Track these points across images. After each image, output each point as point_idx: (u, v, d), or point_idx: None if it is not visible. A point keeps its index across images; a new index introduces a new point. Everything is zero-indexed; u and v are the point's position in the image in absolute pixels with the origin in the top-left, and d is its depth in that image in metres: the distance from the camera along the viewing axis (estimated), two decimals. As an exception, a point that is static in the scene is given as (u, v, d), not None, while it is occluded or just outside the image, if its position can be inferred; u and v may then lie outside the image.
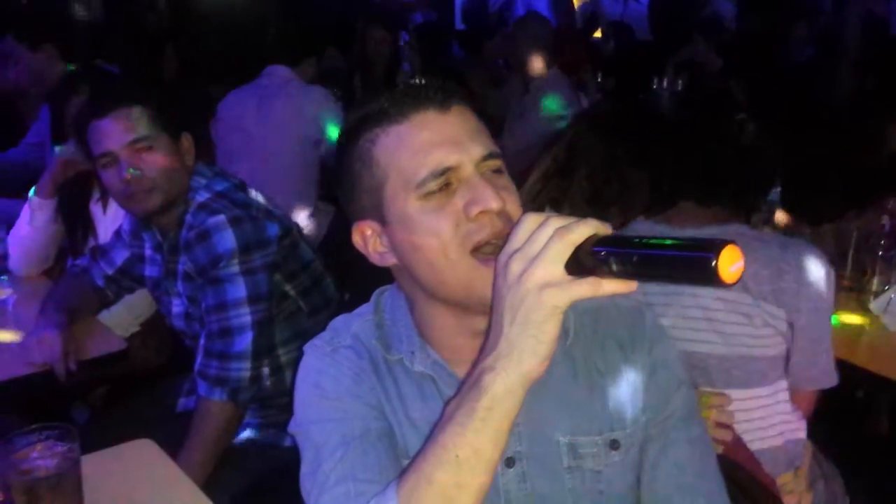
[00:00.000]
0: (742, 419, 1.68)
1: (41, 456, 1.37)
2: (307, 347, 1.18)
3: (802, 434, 1.91)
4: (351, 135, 1.10)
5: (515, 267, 0.89)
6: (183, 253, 2.11)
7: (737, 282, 0.77)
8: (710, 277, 0.76)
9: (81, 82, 2.73)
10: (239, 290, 2.03)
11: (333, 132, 3.54)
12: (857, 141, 2.68)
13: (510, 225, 0.97)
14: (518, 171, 1.14)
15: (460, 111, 1.07)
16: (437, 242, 1.02)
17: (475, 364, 0.94)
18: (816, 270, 1.79)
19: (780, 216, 2.63)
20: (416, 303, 1.13)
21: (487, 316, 0.97)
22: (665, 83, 4.70)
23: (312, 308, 2.26)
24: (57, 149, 2.70)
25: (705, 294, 1.80)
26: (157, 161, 2.05)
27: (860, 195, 2.66)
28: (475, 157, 1.04)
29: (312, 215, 3.71)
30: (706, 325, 1.80)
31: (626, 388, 1.15)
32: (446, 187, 1.03)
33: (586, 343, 1.16)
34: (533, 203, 2.02)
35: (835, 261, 1.89)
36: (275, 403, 2.19)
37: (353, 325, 1.18)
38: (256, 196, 2.20)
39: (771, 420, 1.86)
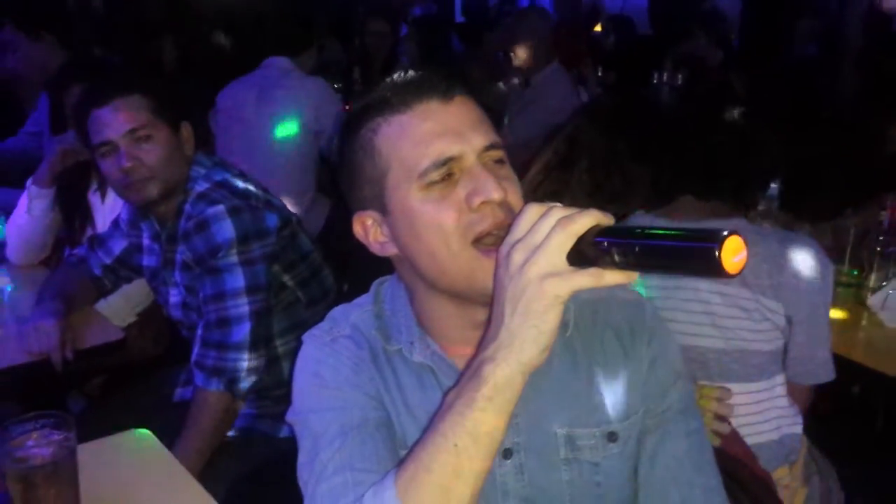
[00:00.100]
0: (739, 413, 1.68)
1: (37, 444, 1.37)
2: (306, 337, 1.18)
3: (799, 428, 1.92)
4: (353, 124, 1.10)
5: (517, 257, 0.89)
6: (181, 242, 2.10)
7: (740, 273, 0.76)
8: (713, 268, 0.76)
9: (81, 72, 2.72)
10: (237, 280, 2.03)
11: (332, 124, 3.54)
12: (858, 139, 2.68)
13: (512, 216, 0.97)
14: (519, 164, 1.13)
15: (463, 101, 1.07)
16: (438, 233, 1.02)
17: (475, 354, 0.94)
18: (815, 265, 1.79)
19: (779, 212, 2.63)
20: (417, 293, 1.13)
21: (488, 307, 0.96)
22: (665, 77, 4.69)
23: (310, 299, 2.26)
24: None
25: (705, 288, 1.80)
26: (156, 150, 2.04)
27: (859, 193, 2.66)
28: (477, 147, 1.03)
29: (311, 206, 3.70)
30: (705, 318, 1.81)
31: (625, 381, 1.15)
32: (448, 177, 1.02)
33: (586, 335, 1.16)
34: (533, 195, 2.01)
35: (833, 257, 1.90)
36: (271, 394, 2.19)
37: (352, 316, 1.18)
38: (255, 186, 2.20)
39: (768, 414, 1.86)
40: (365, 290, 1.23)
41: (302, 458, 1.09)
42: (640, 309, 1.19)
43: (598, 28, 7.10)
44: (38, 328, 2.13)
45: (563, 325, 1.12)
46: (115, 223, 2.40)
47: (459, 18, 8.13)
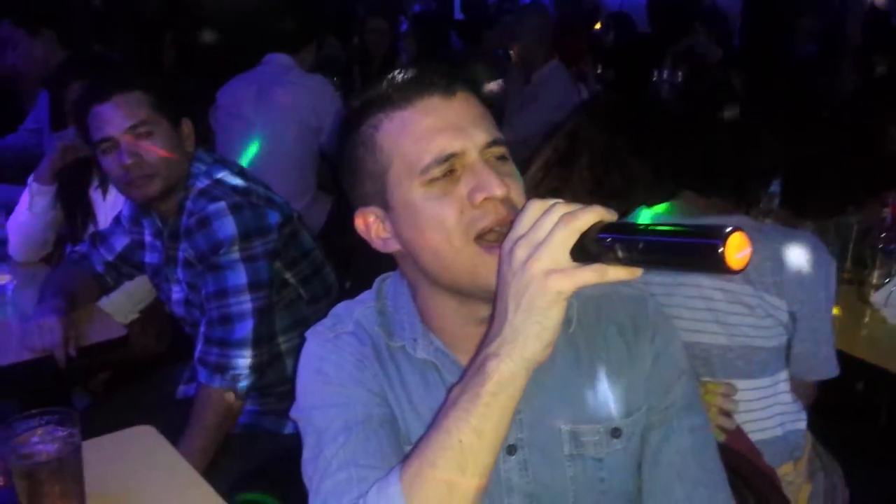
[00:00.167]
0: (743, 409, 1.68)
1: (42, 441, 1.37)
2: (309, 334, 1.18)
3: (803, 425, 1.92)
4: (354, 120, 1.09)
5: (520, 253, 0.89)
6: (183, 239, 2.10)
7: (744, 269, 0.76)
8: (717, 264, 0.76)
9: (81, 68, 2.72)
10: (239, 277, 2.03)
11: (332, 121, 3.53)
12: (858, 137, 2.68)
13: (514, 212, 0.97)
14: (519, 161, 1.13)
15: (465, 97, 1.07)
16: (440, 229, 1.02)
17: (479, 350, 0.94)
18: (818, 262, 1.79)
19: (781, 209, 2.63)
20: (419, 290, 1.13)
21: (491, 303, 0.96)
22: (665, 75, 4.69)
23: (312, 296, 2.26)
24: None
25: (707, 284, 1.80)
26: (157, 147, 2.04)
27: (860, 191, 2.66)
28: (479, 143, 1.03)
29: (312, 203, 3.70)
30: (708, 315, 1.81)
31: (628, 377, 1.15)
32: (450, 174, 1.02)
33: (589, 331, 1.16)
34: (534, 192, 2.01)
35: (835, 254, 1.90)
36: (274, 391, 2.20)
37: (355, 312, 1.18)
38: (256, 183, 2.20)
39: (771, 410, 1.86)
40: (367, 286, 1.23)
41: (306, 455, 1.09)
42: (643, 305, 1.19)
43: (597, 26, 7.09)
44: (41, 325, 2.13)
45: (567, 321, 1.12)
46: (117, 220, 2.40)
47: (459, 16, 8.12)
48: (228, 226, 2.02)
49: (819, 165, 2.55)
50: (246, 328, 2.03)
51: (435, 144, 1.02)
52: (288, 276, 2.19)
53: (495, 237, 0.99)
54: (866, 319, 2.34)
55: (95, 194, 2.78)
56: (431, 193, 1.02)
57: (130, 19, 4.70)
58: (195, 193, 2.10)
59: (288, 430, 2.16)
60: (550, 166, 2.09)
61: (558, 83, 4.22)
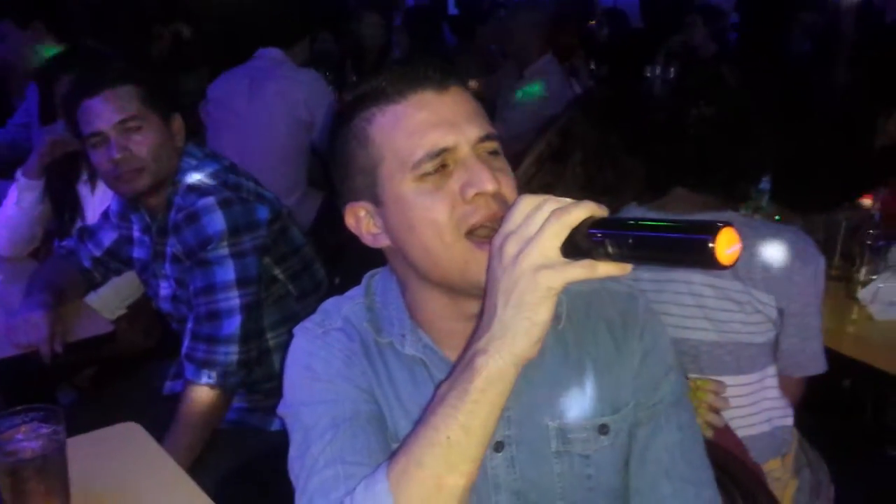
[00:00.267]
0: (731, 405, 1.69)
1: (26, 438, 1.36)
2: (297, 330, 1.17)
3: (790, 421, 1.92)
4: (346, 113, 1.09)
5: (511, 248, 0.88)
6: (171, 235, 2.09)
7: (733, 264, 0.76)
8: (706, 259, 0.75)
9: (70, 62, 2.70)
10: (228, 272, 2.02)
11: (324, 116, 3.52)
12: (848, 132, 2.68)
13: (506, 208, 0.96)
14: (511, 156, 1.13)
15: (458, 92, 1.06)
16: (431, 225, 1.01)
17: (468, 346, 0.94)
18: (807, 258, 1.79)
19: (770, 205, 2.64)
20: (409, 285, 1.12)
21: (481, 299, 0.96)
22: (657, 70, 4.69)
23: (301, 292, 2.25)
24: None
25: (697, 281, 1.80)
26: (146, 141, 2.03)
27: (850, 186, 2.66)
28: (472, 138, 1.03)
29: (302, 199, 3.68)
30: (698, 311, 1.81)
31: (617, 374, 1.15)
32: (442, 169, 1.02)
33: (578, 327, 1.16)
34: (526, 187, 2.00)
35: (824, 250, 1.90)
36: (262, 388, 2.19)
37: (343, 308, 1.17)
38: (246, 178, 2.18)
39: (759, 406, 1.87)
40: (357, 282, 1.22)
41: (293, 452, 1.09)
42: (632, 302, 1.19)
43: (591, 22, 7.09)
44: (26, 320, 2.12)
45: (556, 317, 1.11)
46: (105, 215, 2.38)
47: (453, 11, 8.11)
48: (217, 221, 2.01)
49: (810, 160, 2.56)
50: (234, 324, 2.02)
51: (427, 139, 1.01)
52: (277, 271, 2.18)
53: (486, 233, 0.99)
54: (853, 316, 2.35)
55: (84, 189, 2.77)
56: (423, 188, 1.01)
57: (121, 13, 4.68)
58: (184, 188, 2.08)
59: (275, 426, 2.15)
60: (543, 162, 2.09)
61: (552, 78, 4.21)
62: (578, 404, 1.13)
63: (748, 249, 1.75)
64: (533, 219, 0.88)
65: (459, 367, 0.93)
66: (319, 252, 2.37)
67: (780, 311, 1.81)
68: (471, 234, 1.01)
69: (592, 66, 5.46)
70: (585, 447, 1.13)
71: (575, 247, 0.86)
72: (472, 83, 4.32)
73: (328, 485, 1.01)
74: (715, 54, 5.11)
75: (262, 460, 1.95)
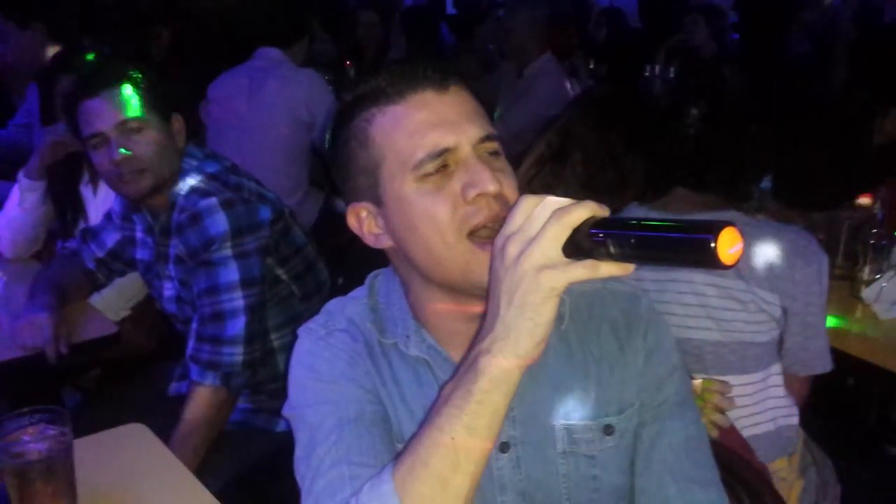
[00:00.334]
0: (736, 405, 1.69)
1: (33, 439, 1.36)
2: (301, 331, 1.18)
3: (795, 419, 1.92)
4: (347, 114, 1.09)
5: (512, 249, 0.88)
6: (174, 236, 2.09)
7: (735, 264, 0.76)
8: (708, 259, 0.76)
9: (71, 62, 2.70)
10: (231, 273, 2.02)
11: (325, 116, 3.52)
12: (847, 130, 2.69)
13: (507, 208, 0.96)
14: (510, 157, 1.13)
15: (458, 92, 1.06)
16: (433, 225, 1.01)
17: (471, 347, 0.94)
18: (810, 256, 1.79)
19: (773, 203, 2.64)
20: (412, 286, 1.12)
21: (483, 300, 0.96)
22: (657, 70, 4.69)
23: (305, 293, 2.25)
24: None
25: (700, 280, 1.80)
26: (147, 142, 2.03)
27: (850, 184, 2.66)
28: (473, 138, 1.03)
29: (304, 199, 3.69)
30: (701, 311, 1.81)
31: (621, 374, 1.15)
32: (443, 169, 1.02)
33: (581, 328, 1.16)
34: (527, 188, 2.01)
35: (827, 250, 1.90)
36: (267, 388, 2.19)
37: (347, 309, 1.18)
38: (248, 178, 2.19)
39: (764, 405, 1.87)
40: (360, 282, 1.22)
41: (298, 453, 1.09)
42: (635, 301, 1.19)
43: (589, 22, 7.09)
44: (31, 322, 2.12)
45: (559, 317, 1.12)
46: (108, 216, 2.39)
47: (451, 10, 8.10)
48: (220, 222, 2.01)
49: (810, 158, 2.56)
50: (238, 325, 2.03)
51: (428, 139, 1.01)
52: (280, 272, 2.18)
53: (488, 233, 0.99)
54: (857, 315, 2.35)
55: (86, 190, 2.77)
56: (424, 189, 1.02)
57: (121, 13, 4.68)
58: (186, 189, 2.08)
59: (280, 427, 2.15)
60: (543, 162, 2.09)
61: (551, 77, 4.21)
62: (583, 405, 1.13)
63: (751, 248, 1.76)
64: (534, 219, 0.88)
65: (463, 368, 0.93)
66: (322, 252, 2.38)
67: (784, 310, 1.81)
68: (472, 234, 1.01)
69: (591, 66, 5.46)
70: (591, 448, 1.13)
71: (577, 247, 0.86)
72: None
73: (334, 486, 1.01)
74: (715, 54, 5.11)
75: (267, 461, 1.95)
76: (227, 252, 2.02)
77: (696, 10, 5.51)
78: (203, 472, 1.79)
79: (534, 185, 2.04)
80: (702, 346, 1.83)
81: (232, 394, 2.06)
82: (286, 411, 1.15)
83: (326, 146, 1.15)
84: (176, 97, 2.27)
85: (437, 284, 1.07)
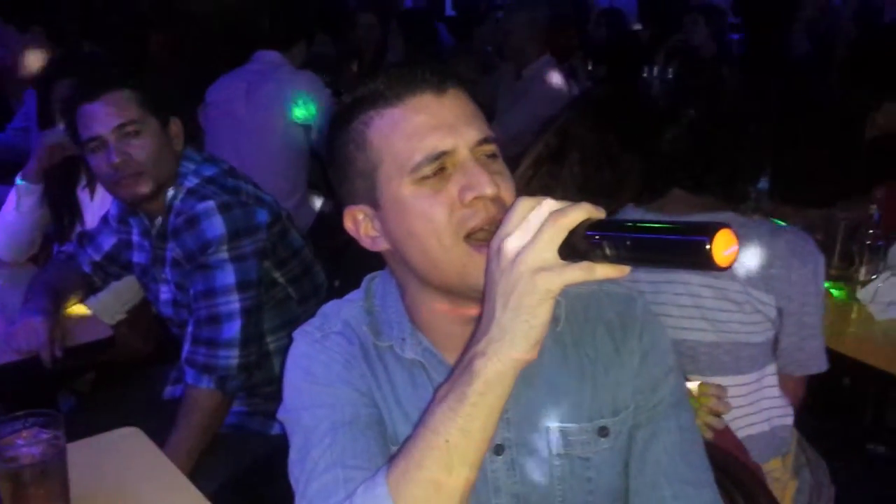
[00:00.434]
0: (731, 407, 1.68)
1: (26, 443, 1.36)
2: (297, 333, 1.17)
3: (790, 420, 1.92)
4: (344, 116, 1.08)
5: (508, 251, 0.88)
6: (171, 239, 2.09)
7: (731, 265, 0.76)
8: (704, 261, 0.76)
9: (69, 66, 2.70)
10: (228, 276, 2.02)
11: (323, 118, 3.52)
12: (846, 129, 2.69)
13: (504, 211, 0.96)
14: (509, 158, 1.13)
15: (456, 94, 1.06)
16: (430, 228, 1.01)
17: (466, 349, 0.94)
18: (806, 257, 1.79)
19: (770, 203, 2.64)
20: (408, 289, 1.12)
21: (479, 302, 0.96)
22: (655, 70, 4.69)
23: (302, 296, 2.25)
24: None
25: (695, 282, 1.80)
26: (145, 146, 2.03)
27: (847, 180, 2.66)
28: (470, 141, 1.03)
29: (302, 202, 3.68)
30: (696, 312, 1.81)
31: (616, 375, 1.15)
32: (441, 172, 1.01)
33: (577, 329, 1.16)
34: (525, 189, 2.01)
35: (823, 250, 1.90)
36: (262, 391, 2.19)
37: (343, 311, 1.17)
38: (245, 181, 2.18)
39: (758, 406, 1.87)
40: (356, 285, 1.22)
41: (293, 456, 1.09)
42: (631, 304, 1.19)
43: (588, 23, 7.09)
44: (26, 326, 2.12)
45: (554, 319, 1.11)
46: (105, 219, 2.38)
47: (450, 12, 8.12)
48: (217, 225, 2.01)
49: (811, 156, 2.56)
50: (234, 328, 2.02)
51: (426, 143, 1.01)
52: (277, 275, 2.18)
53: (485, 236, 0.99)
54: (853, 316, 2.35)
55: (83, 194, 2.76)
56: (422, 192, 1.01)
57: (120, 17, 4.68)
58: (183, 192, 2.08)
59: (275, 431, 2.14)
60: (541, 163, 2.09)
61: (550, 78, 4.21)
62: (578, 406, 1.13)
63: (747, 249, 1.75)
64: (530, 221, 0.88)
65: (458, 370, 0.93)
66: (319, 255, 2.37)
67: (780, 311, 1.81)
68: (469, 237, 1.01)
69: (590, 67, 5.46)
70: (585, 449, 1.12)
71: (573, 249, 0.86)
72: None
73: (328, 488, 1.01)
74: (715, 54, 5.11)
75: (262, 464, 1.95)
76: (224, 255, 2.01)
77: (697, 10, 5.51)
78: (197, 475, 1.78)
79: (532, 185, 2.04)
80: (697, 348, 1.83)
81: (227, 397, 2.06)
82: (281, 414, 1.15)
83: (324, 149, 1.15)
84: (174, 101, 2.27)
85: (433, 287, 1.07)
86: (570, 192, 2.00)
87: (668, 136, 1.91)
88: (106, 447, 1.67)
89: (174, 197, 2.09)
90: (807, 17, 5.93)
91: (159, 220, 2.14)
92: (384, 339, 1.13)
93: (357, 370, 1.12)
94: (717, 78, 1.94)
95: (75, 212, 2.76)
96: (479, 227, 1.00)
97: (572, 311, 1.16)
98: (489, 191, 0.99)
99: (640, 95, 2.92)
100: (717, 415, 1.55)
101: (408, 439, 0.96)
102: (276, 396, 1.16)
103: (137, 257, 2.30)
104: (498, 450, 1.11)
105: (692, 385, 1.56)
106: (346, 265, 2.48)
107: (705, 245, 0.75)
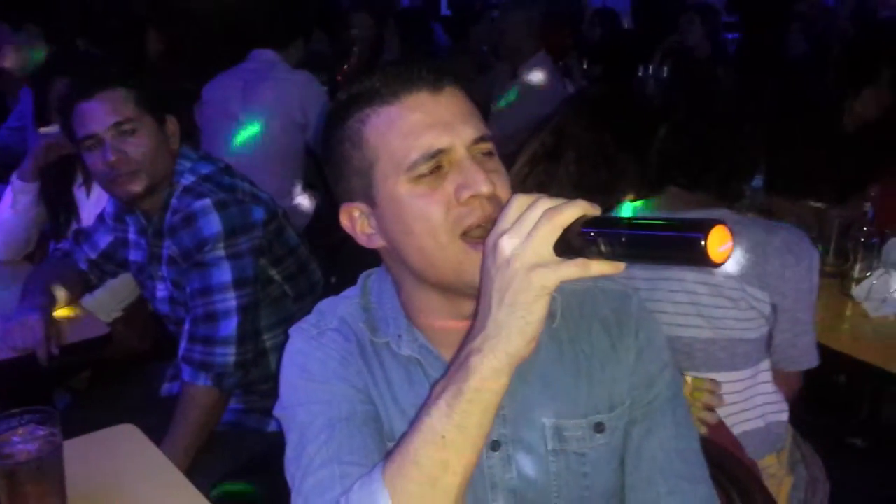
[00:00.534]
0: (725, 401, 1.69)
1: (22, 440, 1.36)
2: (293, 330, 1.17)
3: (785, 416, 1.93)
4: (341, 114, 1.09)
5: (504, 248, 0.89)
6: (168, 237, 2.09)
7: (725, 262, 0.77)
8: (699, 257, 0.76)
9: (65, 65, 2.70)
10: (224, 274, 2.02)
11: (319, 117, 3.52)
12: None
13: (500, 209, 0.96)
14: (504, 156, 1.13)
15: (452, 93, 1.06)
16: (427, 226, 1.02)
17: (463, 346, 0.94)
18: (801, 253, 1.80)
19: (766, 199, 2.65)
20: (404, 286, 1.13)
21: (475, 299, 0.96)
22: (651, 70, 4.69)
23: (298, 293, 2.25)
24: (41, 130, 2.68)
25: (691, 278, 1.81)
26: (141, 144, 2.03)
27: (846, 181, 2.68)
28: (466, 139, 1.03)
29: (298, 200, 3.69)
30: (691, 309, 1.82)
31: (612, 371, 1.15)
32: (437, 170, 1.02)
33: (572, 326, 1.16)
34: (521, 187, 2.01)
35: (817, 247, 1.91)
36: (259, 389, 2.19)
37: (339, 308, 1.18)
38: (242, 179, 2.18)
39: (753, 402, 1.88)
40: (353, 282, 1.22)
41: (289, 453, 1.09)
42: (626, 300, 1.19)
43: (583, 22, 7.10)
44: (22, 323, 2.12)
45: (550, 315, 1.12)
46: (101, 217, 2.38)
47: (445, 12, 8.11)
48: (214, 223, 2.01)
49: (808, 155, 2.57)
50: (231, 325, 2.02)
51: (422, 140, 1.01)
52: (273, 273, 2.18)
53: (481, 233, 0.99)
54: (848, 313, 2.36)
55: (79, 192, 2.76)
56: (418, 190, 1.02)
57: (115, 15, 4.67)
58: (180, 190, 2.08)
59: (272, 428, 2.15)
60: (537, 161, 2.09)
61: (545, 75, 4.21)
62: (573, 403, 1.13)
63: (742, 246, 1.76)
64: (526, 218, 0.88)
65: (454, 367, 0.93)
66: (315, 252, 2.38)
67: (774, 307, 1.81)
68: (465, 235, 1.01)
69: (585, 66, 5.47)
70: (581, 445, 1.13)
71: (568, 246, 0.86)
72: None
73: (324, 485, 1.01)
74: (710, 54, 5.12)
75: (259, 461, 1.95)
76: (221, 253, 2.02)
77: (693, 10, 5.52)
78: (194, 472, 1.78)
79: (527, 183, 2.04)
80: (692, 344, 1.83)
81: (224, 394, 2.06)
82: (277, 411, 1.15)
83: (320, 146, 1.15)
84: (170, 99, 2.27)
85: (429, 284, 1.07)
86: (566, 190, 2.00)
87: (663, 135, 1.91)
88: (102, 444, 1.67)
89: (170, 195, 2.09)
90: (804, 16, 5.94)
91: (156, 218, 2.14)
92: (380, 336, 1.14)
93: (353, 367, 1.12)
94: (711, 77, 1.94)
95: (71, 210, 2.75)
96: (475, 224, 1.00)
97: (568, 308, 1.16)
98: (485, 189, 1.00)
99: (635, 95, 2.93)
100: (711, 410, 1.56)
101: (404, 435, 0.96)
102: (273, 393, 1.17)
103: (134, 255, 2.30)
104: (494, 446, 1.11)
105: (686, 380, 1.56)
106: (343, 262, 2.48)
107: (700, 241, 0.76)
